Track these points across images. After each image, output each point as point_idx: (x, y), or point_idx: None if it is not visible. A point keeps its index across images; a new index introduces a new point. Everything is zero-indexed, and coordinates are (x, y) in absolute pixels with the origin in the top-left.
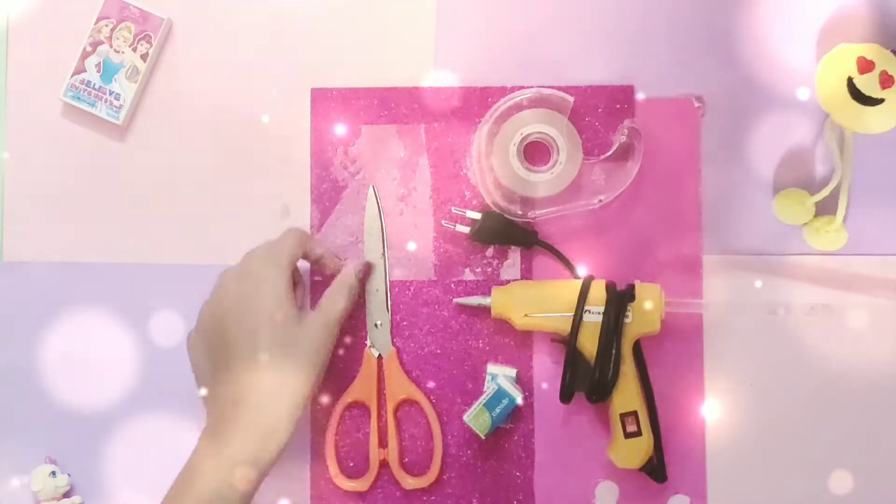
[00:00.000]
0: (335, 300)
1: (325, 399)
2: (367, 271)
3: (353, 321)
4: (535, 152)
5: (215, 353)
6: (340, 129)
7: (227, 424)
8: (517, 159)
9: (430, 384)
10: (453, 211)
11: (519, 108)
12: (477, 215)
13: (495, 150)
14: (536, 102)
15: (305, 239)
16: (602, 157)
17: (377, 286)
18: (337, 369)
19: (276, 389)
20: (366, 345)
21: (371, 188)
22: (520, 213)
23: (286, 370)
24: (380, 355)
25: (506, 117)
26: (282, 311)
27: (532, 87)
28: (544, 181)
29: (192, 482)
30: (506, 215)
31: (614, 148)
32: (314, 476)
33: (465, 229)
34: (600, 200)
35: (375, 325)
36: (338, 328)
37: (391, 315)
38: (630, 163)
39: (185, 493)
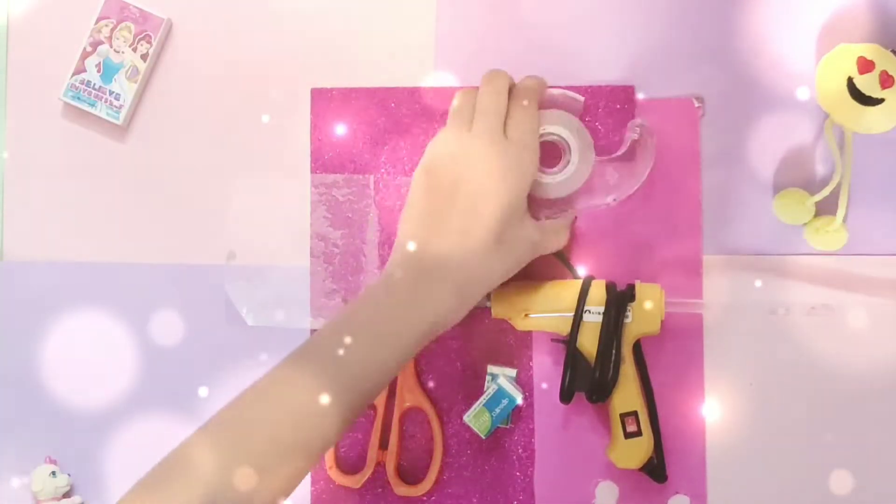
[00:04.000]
0: (559, 232)
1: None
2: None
3: None
4: (544, 154)
5: (435, 194)
6: (340, 129)
7: (430, 279)
8: None
9: (431, 384)
10: None
11: None
12: None
13: None
14: (545, 104)
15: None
16: (614, 155)
17: None
18: None
19: (480, 263)
20: None
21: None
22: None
23: (499, 253)
24: None
25: None
26: (521, 199)
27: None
28: (557, 182)
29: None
30: None
31: (626, 146)
32: (314, 475)
33: None
34: (614, 199)
35: None
36: (533, 256)
37: None
38: (643, 161)
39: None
